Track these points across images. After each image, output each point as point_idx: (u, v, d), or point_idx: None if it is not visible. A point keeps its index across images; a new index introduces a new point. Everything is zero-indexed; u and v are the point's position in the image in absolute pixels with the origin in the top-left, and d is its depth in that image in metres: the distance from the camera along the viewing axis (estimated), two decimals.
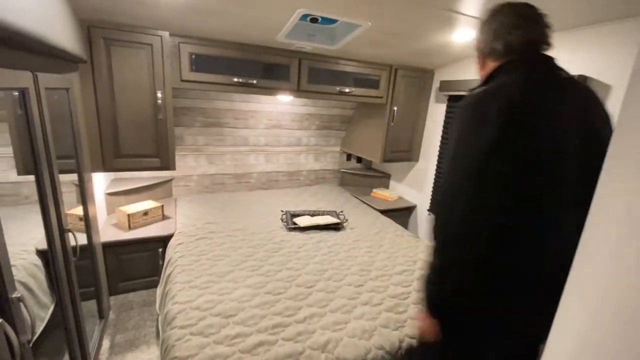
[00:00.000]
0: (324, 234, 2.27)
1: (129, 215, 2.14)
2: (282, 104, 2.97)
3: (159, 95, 1.99)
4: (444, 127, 2.76)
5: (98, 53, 1.80)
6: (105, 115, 1.91)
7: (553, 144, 0.87)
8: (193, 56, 2.05)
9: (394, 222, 2.62)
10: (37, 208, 1.13)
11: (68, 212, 1.55)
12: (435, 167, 2.87)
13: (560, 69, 0.94)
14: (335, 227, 2.38)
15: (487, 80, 0.97)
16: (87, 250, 1.72)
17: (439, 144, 2.82)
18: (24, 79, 1.00)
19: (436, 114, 2.84)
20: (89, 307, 1.78)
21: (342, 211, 2.64)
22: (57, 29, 1.19)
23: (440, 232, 0.94)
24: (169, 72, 1.99)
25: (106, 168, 1.99)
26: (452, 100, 2.65)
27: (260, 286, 1.61)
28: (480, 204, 0.87)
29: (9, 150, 1.52)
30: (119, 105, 1.93)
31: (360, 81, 2.60)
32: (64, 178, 1.29)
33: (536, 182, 0.88)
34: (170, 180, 2.79)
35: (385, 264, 1.93)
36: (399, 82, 2.70)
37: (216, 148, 2.91)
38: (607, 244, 0.43)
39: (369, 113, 3.01)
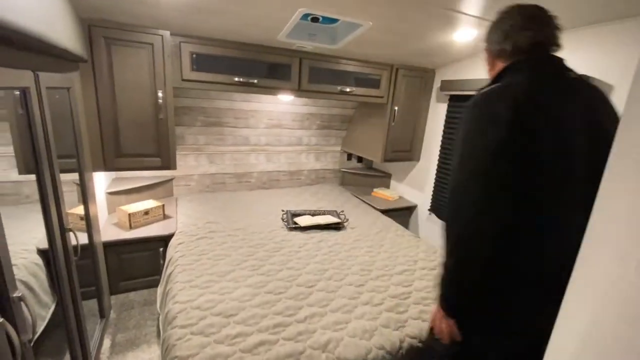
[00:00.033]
0: (325, 234, 2.27)
1: (129, 214, 2.14)
2: (283, 103, 2.97)
3: (160, 94, 1.99)
4: (445, 126, 2.75)
5: (99, 52, 1.80)
6: (106, 114, 1.91)
7: (559, 144, 0.87)
8: (194, 55, 2.05)
9: (394, 222, 2.62)
10: (38, 207, 1.13)
11: (69, 211, 1.55)
12: (436, 167, 2.87)
13: (569, 69, 0.94)
14: (336, 227, 2.38)
15: (495, 80, 0.97)
16: (88, 250, 1.72)
17: (439, 143, 2.81)
18: (25, 78, 1.00)
19: (437, 114, 2.84)
20: (90, 306, 1.78)
21: (342, 211, 2.64)
22: (58, 28, 1.19)
23: (449, 231, 0.96)
24: (169, 72, 1.99)
25: (107, 167, 2.00)
26: (454, 100, 2.65)
27: (261, 286, 1.61)
28: (486, 204, 0.88)
29: (10, 149, 1.53)
30: (119, 105, 1.93)
31: (361, 81, 2.60)
32: (65, 177, 1.30)
33: (541, 182, 0.88)
34: (171, 179, 2.80)
35: (386, 264, 1.93)
36: (399, 81, 2.69)
37: (217, 147, 2.91)
38: (609, 244, 0.43)
39: (370, 113, 3.01)
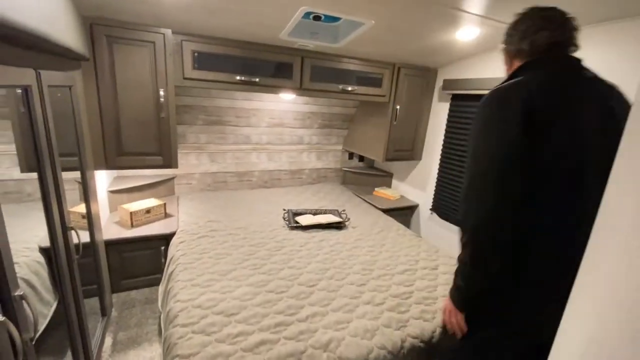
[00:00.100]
0: (326, 233, 2.27)
1: (131, 213, 2.14)
2: (285, 102, 2.96)
3: (162, 93, 1.99)
4: (447, 126, 2.74)
5: (101, 51, 1.80)
6: (107, 113, 1.91)
7: (572, 142, 0.88)
8: (195, 54, 2.04)
9: (396, 221, 2.61)
10: (40, 205, 1.13)
11: (71, 209, 1.56)
12: (437, 167, 2.86)
13: (586, 69, 0.94)
14: (337, 226, 2.38)
15: (511, 77, 0.99)
16: (89, 248, 1.73)
17: (441, 143, 2.80)
18: (26, 76, 1.00)
19: (439, 113, 2.83)
20: (91, 304, 1.79)
21: (344, 210, 2.64)
22: (60, 26, 1.19)
23: (464, 226, 0.98)
24: (171, 70, 1.99)
25: (109, 166, 2.00)
26: (456, 99, 2.64)
27: (262, 285, 1.61)
28: (498, 201, 0.90)
29: (12, 147, 1.53)
30: (121, 103, 1.93)
31: (363, 80, 2.59)
32: (66, 176, 1.30)
33: (550, 181, 0.89)
34: (173, 178, 2.80)
35: (388, 263, 1.93)
36: (401, 80, 2.68)
37: (218, 146, 2.91)
38: (615, 244, 0.42)
39: (372, 112, 3.00)
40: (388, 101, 2.75)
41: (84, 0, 1.55)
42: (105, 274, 1.94)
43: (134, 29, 1.84)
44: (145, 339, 1.86)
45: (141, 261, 2.18)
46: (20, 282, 0.89)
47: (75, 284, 1.32)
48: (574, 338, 0.47)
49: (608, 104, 0.92)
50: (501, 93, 0.92)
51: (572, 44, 0.95)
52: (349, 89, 2.52)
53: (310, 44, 2.15)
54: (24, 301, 0.84)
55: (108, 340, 1.83)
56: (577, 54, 0.97)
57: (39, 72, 1.07)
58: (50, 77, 1.18)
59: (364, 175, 3.55)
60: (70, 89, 1.47)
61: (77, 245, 1.36)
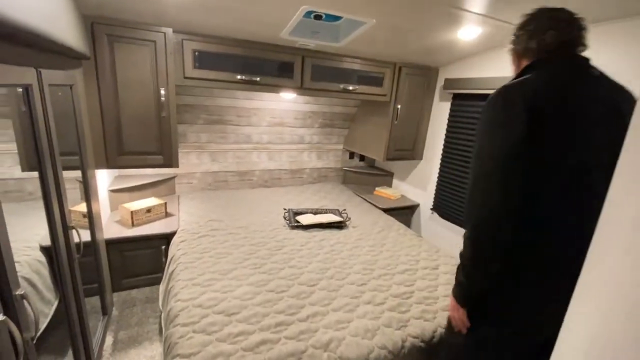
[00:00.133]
0: (327, 233, 2.27)
1: (132, 212, 2.14)
2: (285, 101, 2.96)
3: (163, 92, 1.99)
4: (448, 125, 2.74)
5: (101, 50, 1.80)
6: (108, 112, 1.91)
7: (578, 140, 0.88)
8: (196, 53, 2.04)
9: (396, 221, 2.61)
10: (41, 204, 1.13)
11: (72, 208, 1.56)
12: (438, 166, 2.86)
13: (593, 68, 0.94)
14: (338, 226, 2.38)
15: (518, 77, 0.99)
16: (90, 247, 1.73)
17: (442, 142, 2.80)
18: (27, 75, 1.00)
19: (440, 113, 2.82)
20: (92, 303, 1.79)
21: (344, 209, 2.64)
22: (61, 25, 1.19)
23: (466, 223, 0.99)
24: (172, 69, 1.99)
25: (110, 165, 2.00)
26: (457, 98, 2.63)
27: (263, 284, 1.61)
28: (501, 199, 0.90)
29: (13, 146, 1.53)
30: (122, 102, 1.93)
31: (364, 79, 2.59)
32: (67, 175, 1.30)
33: (554, 179, 0.89)
34: (173, 177, 2.80)
35: (388, 263, 1.93)
36: (403, 80, 2.68)
37: (219, 145, 2.91)
38: (619, 242, 0.42)
39: (373, 111, 3.00)
40: (389, 100, 2.74)
41: None
42: (106, 273, 1.94)
43: (134, 27, 1.83)
44: (146, 338, 1.87)
45: (142, 260, 2.18)
46: (21, 281, 0.89)
47: (76, 282, 1.33)
48: (577, 336, 0.46)
49: (615, 103, 0.91)
50: (506, 92, 0.92)
51: (580, 43, 0.95)
52: (350, 88, 2.52)
53: (311, 43, 2.15)
54: (25, 300, 0.84)
55: (109, 339, 1.84)
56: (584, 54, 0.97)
57: (40, 71, 1.07)
58: (51, 76, 1.18)
59: (364, 174, 3.55)
60: (71, 87, 1.47)
61: (78, 244, 1.36)
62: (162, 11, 1.71)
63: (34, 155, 1.08)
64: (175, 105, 2.08)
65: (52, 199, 1.13)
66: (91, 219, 1.71)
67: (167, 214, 2.38)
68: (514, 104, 0.88)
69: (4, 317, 0.74)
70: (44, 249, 1.62)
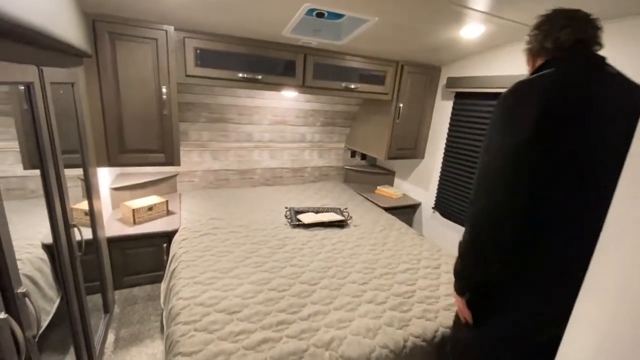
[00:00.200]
0: (328, 231, 2.26)
1: (133, 210, 2.15)
2: (287, 99, 2.95)
3: (164, 90, 1.99)
4: (450, 124, 2.72)
5: (103, 47, 1.79)
6: (110, 110, 1.91)
7: (591, 138, 0.87)
8: (198, 51, 2.03)
9: (398, 220, 2.60)
10: (43, 202, 1.13)
11: (73, 206, 1.56)
12: (440, 165, 2.85)
13: (609, 66, 0.94)
14: (339, 225, 2.37)
15: (532, 74, 0.99)
16: (92, 245, 1.73)
17: (445, 141, 2.79)
18: (29, 73, 1.00)
19: (443, 111, 2.81)
20: (94, 301, 1.79)
21: (346, 208, 2.63)
22: (62, 22, 1.18)
23: (468, 214, 1.00)
24: (173, 67, 1.98)
25: (111, 163, 2.00)
26: (459, 97, 2.62)
27: (264, 283, 1.61)
28: (506, 197, 0.90)
29: (15, 144, 1.53)
30: (124, 100, 1.92)
31: (366, 77, 2.58)
32: (69, 173, 1.30)
33: (561, 179, 0.88)
34: (175, 175, 2.80)
35: (390, 262, 1.92)
36: (405, 78, 2.66)
37: (220, 144, 2.91)
38: (625, 244, 0.41)
39: (374, 109, 2.99)
40: (391, 99, 2.73)
41: None
42: (107, 270, 1.94)
43: (136, 25, 1.83)
44: (147, 336, 1.87)
45: (143, 258, 2.18)
46: (23, 278, 0.89)
47: (77, 280, 1.33)
48: (584, 338, 0.46)
49: (632, 101, 0.90)
50: (519, 88, 0.91)
51: (595, 42, 0.94)
52: (352, 86, 2.51)
53: (313, 41, 2.14)
54: (26, 298, 0.84)
55: (110, 337, 1.84)
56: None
57: (42, 69, 1.07)
58: (53, 74, 1.18)
59: (366, 173, 3.54)
60: (72, 86, 1.47)
61: (79, 242, 1.36)
62: (163, 9, 1.70)
63: (35, 153, 1.08)
64: (177, 103, 2.08)
65: (54, 197, 1.13)
66: (93, 216, 1.72)
67: (169, 212, 2.38)
68: (526, 101, 0.87)
69: (6, 315, 0.74)
70: (46, 247, 1.62)
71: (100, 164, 1.95)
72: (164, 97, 2.00)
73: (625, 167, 0.42)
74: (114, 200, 2.37)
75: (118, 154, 2.00)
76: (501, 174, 0.90)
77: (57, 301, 1.57)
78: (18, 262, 0.83)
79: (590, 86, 0.89)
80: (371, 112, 3.05)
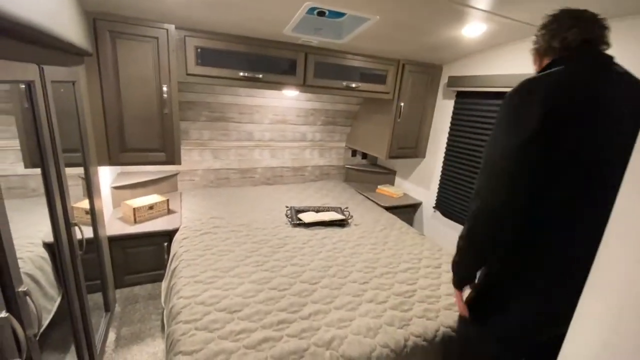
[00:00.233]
0: (329, 230, 2.26)
1: (134, 209, 2.15)
2: (288, 98, 2.95)
3: (165, 89, 1.98)
4: (451, 123, 2.72)
5: (104, 46, 1.79)
6: (111, 109, 1.90)
7: (600, 135, 0.86)
8: (199, 50, 2.03)
9: (399, 219, 2.60)
10: (44, 201, 1.13)
11: (74, 205, 1.56)
12: (441, 165, 2.84)
13: (617, 65, 0.93)
14: (340, 224, 2.37)
15: (539, 73, 0.98)
16: (93, 244, 1.73)
17: (446, 140, 2.78)
18: (30, 71, 1.00)
19: (444, 110, 2.80)
20: (95, 299, 1.80)
21: (346, 207, 2.63)
22: (63, 21, 1.18)
23: (469, 209, 1.00)
24: (174, 66, 1.98)
25: (112, 162, 2.00)
26: (461, 96, 2.61)
27: (265, 282, 1.61)
28: (508, 196, 0.90)
29: (16, 143, 1.53)
30: (124, 99, 1.92)
31: (367, 76, 2.57)
32: (70, 171, 1.29)
33: (562, 179, 0.87)
34: (176, 174, 2.80)
35: (390, 261, 1.92)
36: (406, 77, 2.66)
37: (221, 143, 2.90)
38: (630, 240, 0.41)
39: (375, 109, 2.98)
40: (392, 98, 2.72)
41: None
42: (108, 269, 1.95)
43: (137, 24, 1.83)
44: (148, 335, 1.87)
45: (144, 257, 2.18)
46: (24, 277, 0.89)
47: (78, 279, 1.33)
48: (587, 338, 0.46)
49: (639, 101, 0.90)
50: (526, 86, 0.91)
51: (603, 42, 0.94)
52: (353, 85, 2.50)
53: (314, 39, 2.13)
54: (27, 297, 0.84)
55: (111, 336, 1.85)
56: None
57: (42, 68, 1.06)
58: (54, 72, 1.18)
59: (367, 172, 3.54)
60: (73, 84, 1.47)
61: (80, 241, 1.36)
62: (164, 8, 1.70)
63: (36, 152, 1.08)
64: (178, 102, 2.07)
65: (55, 196, 1.13)
66: (94, 215, 1.72)
67: (169, 211, 2.39)
68: (532, 99, 0.86)
69: (7, 314, 0.74)
70: (47, 246, 1.62)
71: (101, 162, 1.96)
72: (165, 95, 1.99)
73: (630, 162, 0.42)
74: (115, 199, 2.37)
75: (119, 152, 2.00)
76: (507, 173, 0.89)
77: (58, 300, 1.57)
78: (19, 261, 0.83)
79: (597, 86, 0.88)
80: (372, 111, 3.05)
